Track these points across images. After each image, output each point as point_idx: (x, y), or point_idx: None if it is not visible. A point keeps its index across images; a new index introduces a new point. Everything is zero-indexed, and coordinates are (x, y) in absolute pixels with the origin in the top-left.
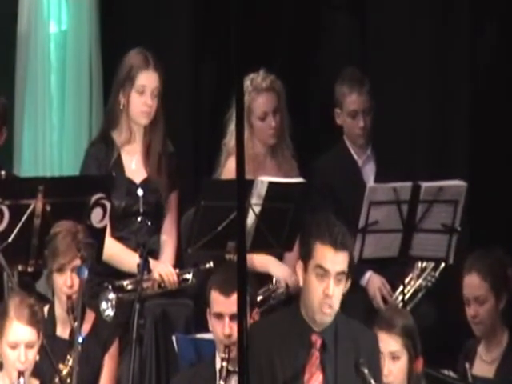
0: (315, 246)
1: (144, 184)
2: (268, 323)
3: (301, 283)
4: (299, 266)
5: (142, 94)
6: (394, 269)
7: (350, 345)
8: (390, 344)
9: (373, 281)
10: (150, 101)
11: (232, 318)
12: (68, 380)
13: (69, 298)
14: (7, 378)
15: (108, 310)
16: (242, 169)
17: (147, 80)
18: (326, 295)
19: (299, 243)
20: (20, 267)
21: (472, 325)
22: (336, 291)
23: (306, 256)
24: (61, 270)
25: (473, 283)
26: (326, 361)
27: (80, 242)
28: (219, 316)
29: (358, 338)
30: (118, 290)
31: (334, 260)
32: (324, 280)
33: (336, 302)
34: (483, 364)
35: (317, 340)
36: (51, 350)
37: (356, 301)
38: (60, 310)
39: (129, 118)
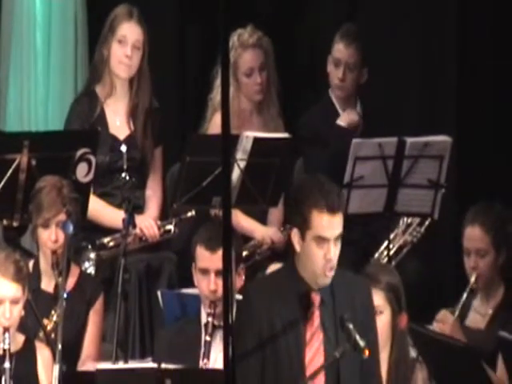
0: (312, 215)
1: (128, 140)
2: (266, 284)
3: (297, 249)
4: (295, 233)
5: (123, 45)
6: (379, 224)
7: (347, 297)
8: (373, 299)
9: None
10: (130, 52)
11: (217, 273)
12: (53, 335)
13: (53, 252)
14: None
15: (90, 268)
16: (227, 124)
17: (129, 30)
18: (327, 260)
19: (288, 208)
20: (5, 222)
21: (470, 276)
22: (336, 252)
23: (302, 225)
24: (45, 224)
25: (475, 235)
26: (326, 318)
27: (65, 196)
28: (205, 272)
29: (352, 290)
30: (100, 248)
31: (332, 226)
32: (324, 246)
33: (336, 263)
34: (477, 316)
35: (316, 298)
36: (36, 303)
37: (341, 255)
38: (45, 265)
39: (110, 71)
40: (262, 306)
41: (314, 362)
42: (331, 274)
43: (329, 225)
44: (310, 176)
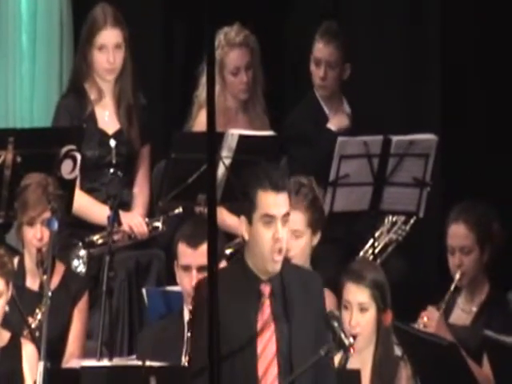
0: (257, 195)
1: (117, 135)
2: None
3: (246, 237)
4: (242, 221)
5: (104, 52)
6: (365, 222)
7: (299, 288)
8: (358, 295)
9: None
10: (112, 57)
11: (199, 269)
12: (37, 332)
13: (39, 250)
14: None
15: (80, 266)
16: (212, 121)
17: (106, 38)
18: (276, 240)
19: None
20: None
21: (455, 274)
22: (284, 233)
23: (249, 209)
24: (31, 222)
25: (459, 233)
26: (277, 309)
27: (50, 194)
28: (186, 268)
29: (304, 281)
30: (89, 245)
31: (277, 203)
32: (271, 226)
33: (284, 246)
34: (462, 313)
35: (266, 288)
36: (20, 301)
37: (326, 253)
38: (30, 263)
39: (96, 75)
40: None
41: (266, 352)
42: (280, 257)
43: (274, 202)
44: (259, 165)
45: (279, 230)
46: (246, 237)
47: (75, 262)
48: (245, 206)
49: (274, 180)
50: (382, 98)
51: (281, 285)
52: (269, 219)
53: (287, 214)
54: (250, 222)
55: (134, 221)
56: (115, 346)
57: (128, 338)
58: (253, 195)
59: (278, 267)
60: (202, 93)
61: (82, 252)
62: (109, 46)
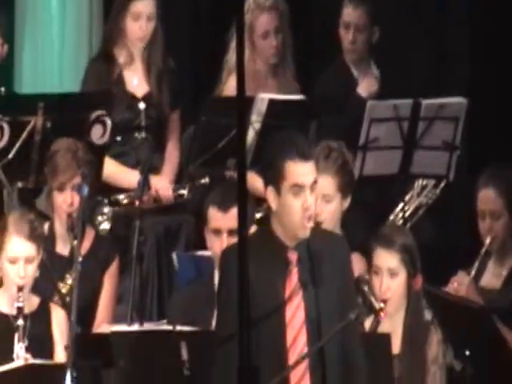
0: (285, 166)
1: (146, 98)
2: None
3: (273, 207)
4: (269, 190)
5: (138, 20)
6: (394, 186)
7: (325, 255)
8: (388, 260)
9: None
10: (145, 26)
11: (230, 233)
12: (68, 298)
13: (69, 215)
14: (7, 294)
15: (104, 223)
16: (242, 86)
17: (141, 7)
18: (305, 208)
19: (263, 169)
20: (20, 184)
21: (485, 239)
22: (312, 201)
23: (276, 179)
24: (61, 188)
25: (489, 198)
26: (304, 275)
27: (80, 159)
28: (217, 232)
29: (330, 247)
30: (114, 203)
31: (306, 172)
32: (300, 195)
33: (313, 212)
34: (492, 277)
35: (293, 256)
36: (51, 266)
37: (356, 217)
38: (60, 228)
39: (127, 41)
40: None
41: (295, 320)
42: (310, 224)
43: (303, 172)
44: (280, 133)
45: (308, 198)
46: (274, 206)
47: (99, 219)
48: (271, 176)
49: (300, 149)
50: (410, 61)
51: (308, 251)
52: (298, 189)
53: (315, 182)
54: (278, 192)
55: (161, 184)
56: (145, 311)
57: (157, 303)
58: (280, 165)
59: (307, 233)
60: (231, 57)
61: (107, 209)
62: (143, 15)
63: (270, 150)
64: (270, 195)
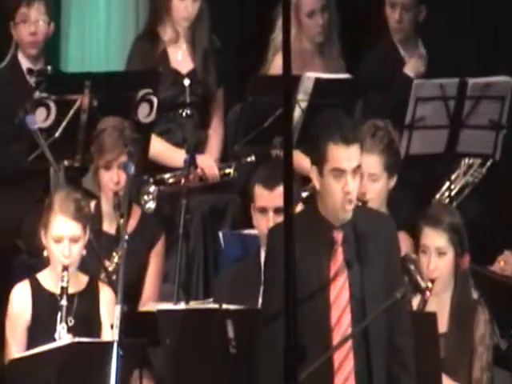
0: (328, 148)
1: (190, 75)
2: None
3: (317, 187)
4: (313, 170)
5: (183, 0)
6: (441, 165)
7: (370, 234)
8: (436, 240)
9: None
10: (191, 6)
11: (276, 211)
12: (114, 276)
13: (115, 194)
14: (54, 273)
15: (149, 202)
16: (288, 64)
17: None
18: (345, 193)
19: (307, 146)
20: (66, 162)
21: None
22: (354, 185)
23: (319, 160)
24: (107, 166)
25: None
26: (350, 255)
27: (127, 137)
28: (263, 210)
29: (376, 226)
30: (159, 182)
31: (348, 157)
32: (341, 179)
33: (355, 196)
34: None
35: (338, 235)
36: (97, 245)
37: (403, 196)
38: (106, 206)
39: (172, 20)
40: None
41: (339, 299)
42: (351, 207)
43: (345, 156)
44: (327, 112)
45: (349, 183)
46: (318, 186)
47: (145, 198)
48: (315, 157)
49: (344, 132)
50: (457, 39)
51: (353, 231)
52: (338, 173)
53: (358, 167)
54: (320, 173)
55: (207, 163)
56: (191, 290)
57: (203, 281)
58: (323, 147)
59: (348, 215)
60: (277, 36)
61: (152, 188)
62: None
63: (315, 130)
64: (314, 175)
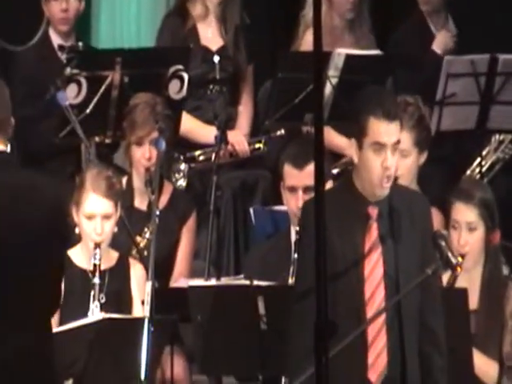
0: (369, 122)
1: (220, 51)
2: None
3: (355, 160)
4: (353, 143)
5: None
6: (472, 141)
7: (405, 212)
8: (467, 215)
9: None
10: None
11: (305, 190)
12: (145, 252)
13: (147, 170)
14: (85, 250)
15: (180, 180)
16: (319, 40)
17: None
18: (385, 168)
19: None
20: (97, 139)
21: None
22: (393, 161)
23: (359, 133)
24: (139, 142)
25: None
26: (384, 231)
27: (158, 113)
28: (292, 189)
29: (410, 204)
30: (190, 160)
31: (388, 132)
32: (381, 153)
33: (393, 172)
34: None
35: (373, 211)
36: (129, 221)
37: (433, 172)
38: (138, 182)
39: None
40: None
41: (373, 275)
42: (388, 184)
43: (386, 131)
44: (369, 87)
45: (389, 158)
46: (356, 160)
47: (176, 176)
48: (355, 130)
49: (386, 108)
50: (487, 15)
51: (388, 207)
52: (379, 147)
53: (397, 142)
54: (359, 146)
55: (237, 139)
56: (222, 266)
57: (234, 257)
58: (364, 121)
59: (386, 192)
60: (308, 12)
61: (183, 166)
62: None
63: (357, 103)
64: (353, 148)
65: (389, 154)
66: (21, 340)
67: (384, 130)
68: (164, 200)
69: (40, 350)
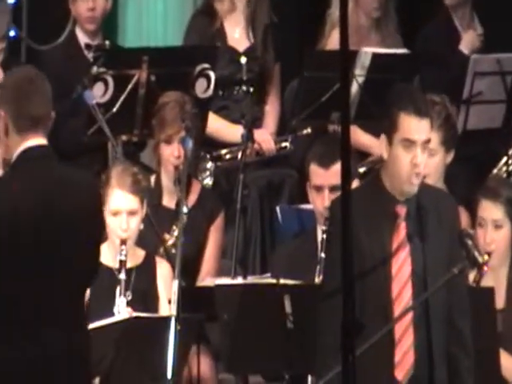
0: (399, 118)
1: (247, 52)
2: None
3: (385, 156)
4: (382, 139)
5: None
6: (498, 140)
7: (432, 211)
8: (493, 212)
9: None
10: None
11: (331, 189)
12: (173, 250)
13: (176, 168)
14: (112, 248)
15: (206, 178)
16: (345, 39)
17: None
18: (414, 165)
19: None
20: (124, 137)
21: None
22: (422, 159)
23: (390, 129)
24: (168, 140)
25: None
26: (412, 230)
27: (187, 112)
28: (318, 188)
29: (438, 203)
30: (216, 158)
31: (419, 129)
32: (411, 150)
33: (422, 170)
34: None
35: (401, 210)
36: (157, 219)
37: (460, 171)
38: (166, 181)
39: None
40: None
41: (401, 273)
42: (417, 181)
43: (416, 128)
44: (403, 84)
45: (418, 155)
46: (385, 156)
47: (202, 174)
48: (386, 125)
49: (418, 105)
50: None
51: (416, 207)
52: (409, 143)
53: (428, 141)
54: (390, 142)
55: (263, 137)
56: (248, 264)
57: (260, 256)
58: (395, 116)
59: (414, 190)
60: (334, 11)
61: (210, 164)
62: None
63: (388, 99)
64: (382, 143)
65: (418, 152)
66: (62, 339)
67: (414, 126)
68: (192, 199)
69: (80, 350)
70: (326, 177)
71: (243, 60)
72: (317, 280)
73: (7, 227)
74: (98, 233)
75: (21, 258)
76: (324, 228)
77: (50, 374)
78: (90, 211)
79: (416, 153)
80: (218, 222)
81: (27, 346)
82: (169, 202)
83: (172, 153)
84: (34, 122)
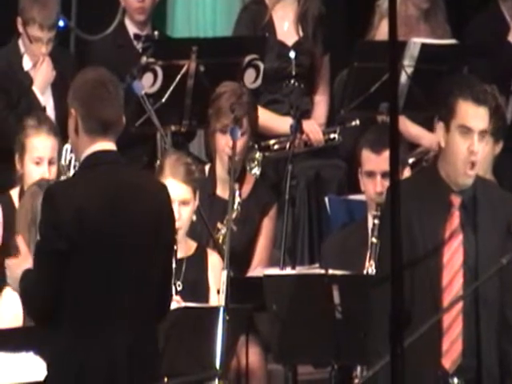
0: (457, 104)
1: (296, 46)
2: (405, 186)
3: (442, 144)
4: (440, 126)
5: None
6: None
7: (488, 207)
8: None
9: None
10: None
11: (383, 175)
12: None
13: (230, 158)
14: None
15: (254, 168)
16: (394, 30)
17: None
18: (470, 152)
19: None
20: (173, 128)
21: None
22: (479, 148)
23: (447, 116)
24: (224, 130)
25: None
26: (466, 220)
27: (243, 103)
28: (370, 174)
29: (493, 196)
30: (264, 149)
31: (476, 116)
32: (468, 137)
33: (479, 159)
34: None
35: (456, 200)
36: (211, 209)
37: (509, 162)
38: (221, 170)
39: None
40: (401, 208)
41: (452, 262)
42: (472, 172)
43: (473, 115)
44: (462, 74)
45: (475, 143)
46: (443, 143)
47: (250, 164)
48: (443, 112)
49: (475, 92)
50: None
51: (471, 197)
52: (465, 130)
53: (485, 131)
54: (447, 129)
55: (312, 128)
56: (297, 255)
57: (308, 246)
58: (453, 103)
59: (469, 181)
60: (383, 2)
61: (258, 154)
62: None
63: (446, 87)
64: (440, 131)
65: (475, 139)
66: (132, 339)
67: (472, 113)
68: (246, 190)
69: (149, 350)
70: (378, 162)
71: (292, 54)
72: (367, 264)
73: (71, 229)
74: (169, 237)
75: (85, 258)
76: (375, 213)
77: (113, 374)
78: (159, 216)
79: (473, 140)
80: (271, 214)
81: (94, 345)
82: (223, 191)
83: (227, 143)
84: (103, 126)
